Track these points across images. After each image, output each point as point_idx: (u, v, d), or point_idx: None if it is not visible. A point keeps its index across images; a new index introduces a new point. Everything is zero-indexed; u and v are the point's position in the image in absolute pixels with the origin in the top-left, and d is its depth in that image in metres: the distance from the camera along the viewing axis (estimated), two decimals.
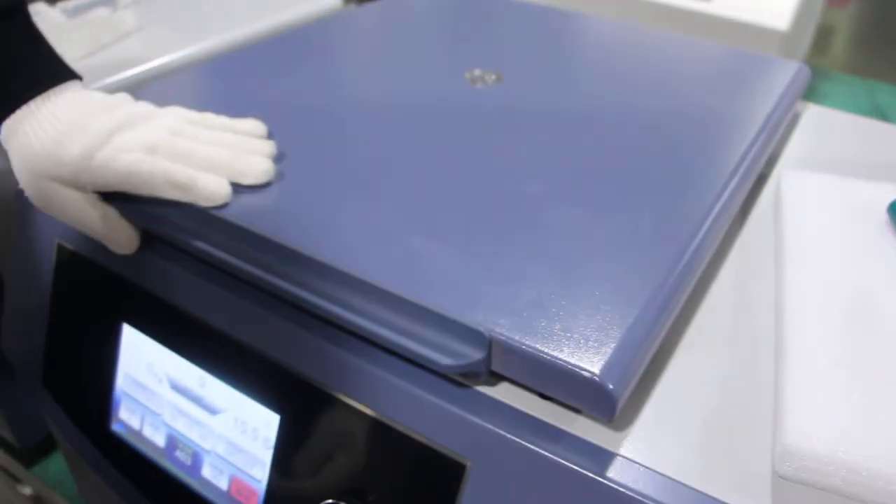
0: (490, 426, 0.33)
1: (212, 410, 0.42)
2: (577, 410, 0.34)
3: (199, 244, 0.41)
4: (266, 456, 0.40)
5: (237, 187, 0.42)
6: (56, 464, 0.70)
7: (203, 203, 0.41)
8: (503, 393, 0.35)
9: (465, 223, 0.40)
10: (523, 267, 0.36)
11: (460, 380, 0.35)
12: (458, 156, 0.45)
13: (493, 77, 0.55)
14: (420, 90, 0.53)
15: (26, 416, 0.67)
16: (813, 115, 0.60)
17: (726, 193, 0.43)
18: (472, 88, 0.53)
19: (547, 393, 0.34)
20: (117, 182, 0.41)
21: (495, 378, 0.35)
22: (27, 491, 0.72)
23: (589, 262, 0.37)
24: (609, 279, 0.36)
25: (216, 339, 0.41)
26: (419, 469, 0.35)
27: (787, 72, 0.58)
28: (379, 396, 0.36)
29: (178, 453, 0.44)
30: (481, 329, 0.33)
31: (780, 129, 0.53)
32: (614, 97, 0.53)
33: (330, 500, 0.37)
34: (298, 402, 0.38)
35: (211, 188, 0.41)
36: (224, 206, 0.41)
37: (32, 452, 0.71)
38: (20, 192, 0.48)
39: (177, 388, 0.43)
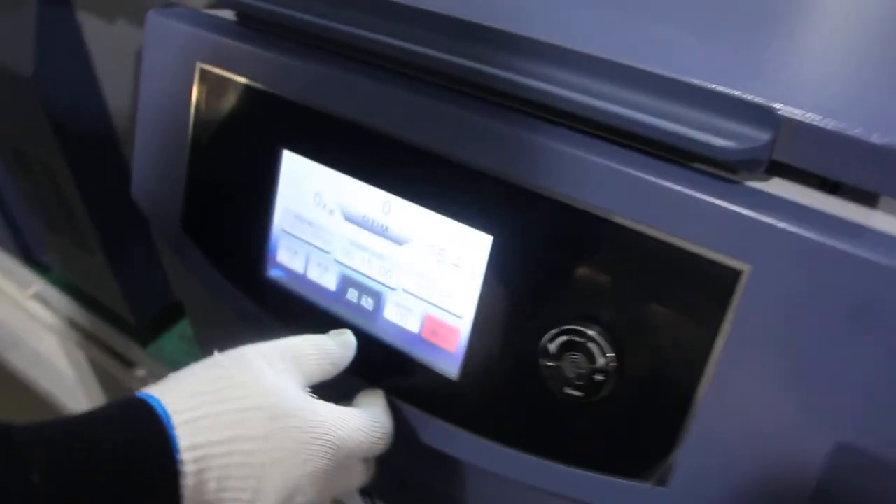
0: (777, 224, 0.28)
1: (398, 240, 0.36)
2: (870, 204, 0.29)
3: (381, 37, 0.35)
4: (472, 287, 0.34)
5: None
6: (171, 343, 0.67)
7: None
8: (777, 189, 0.30)
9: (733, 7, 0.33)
10: (807, 45, 0.30)
11: (726, 175, 0.30)
12: None
13: None
14: None
15: (143, 290, 0.63)
16: None
17: None
18: None
19: (845, 180, 0.28)
20: None
21: (767, 173, 0.30)
22: (140, 373, 0.68)
23: (879, 48, 0.31)
24: None
25: (402, 154, 0.35)
26: (678, 281, 0.30)
27: None
28: (624, 197, 0.30)
29: (353, 295, 0.39)
30: (772, 106, 0.27)
31: None
32: None
33: (561, 327, 0.32)
34: (516, 216, 0.33)
35: None
36: None
37: (146, 331, 0.67)
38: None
39: (352, 218, 0.38)
